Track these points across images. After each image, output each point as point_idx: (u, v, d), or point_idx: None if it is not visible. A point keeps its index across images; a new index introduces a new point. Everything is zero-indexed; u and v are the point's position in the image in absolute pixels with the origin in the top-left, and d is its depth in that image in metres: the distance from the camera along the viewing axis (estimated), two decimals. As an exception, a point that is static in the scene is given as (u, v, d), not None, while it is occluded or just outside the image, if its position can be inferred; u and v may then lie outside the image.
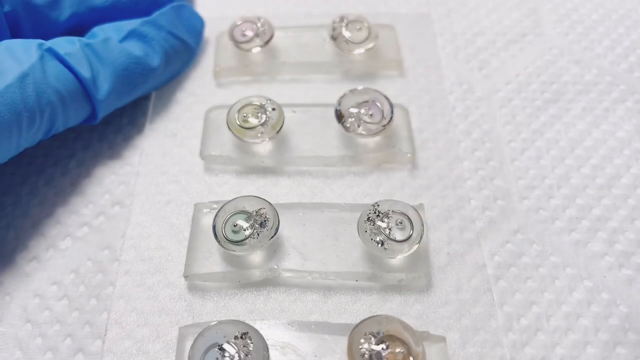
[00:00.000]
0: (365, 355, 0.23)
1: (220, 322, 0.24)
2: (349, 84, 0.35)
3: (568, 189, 0.30)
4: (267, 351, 0.23)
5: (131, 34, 0.32)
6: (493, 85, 0.35)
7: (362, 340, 0.23)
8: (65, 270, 0.28)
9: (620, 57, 0.37)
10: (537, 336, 0.26)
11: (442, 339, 0.25)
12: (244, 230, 0.26)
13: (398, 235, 0.26)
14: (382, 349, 0.23)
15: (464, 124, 0.33)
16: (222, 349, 0.23)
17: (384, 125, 0.30)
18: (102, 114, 0.31)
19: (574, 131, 0.33)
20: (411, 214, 0.27)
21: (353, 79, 0.35)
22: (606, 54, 0.37)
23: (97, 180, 0.31)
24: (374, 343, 0.23)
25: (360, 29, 0.35)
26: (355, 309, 0.27)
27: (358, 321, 0.24)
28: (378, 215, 0.27)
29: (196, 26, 0.36)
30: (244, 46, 0.35)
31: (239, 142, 0.31)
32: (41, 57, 0.28)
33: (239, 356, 0.23)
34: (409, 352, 0.23)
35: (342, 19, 0.35)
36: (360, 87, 0.32)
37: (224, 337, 0.23)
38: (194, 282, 0.27)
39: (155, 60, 0.32)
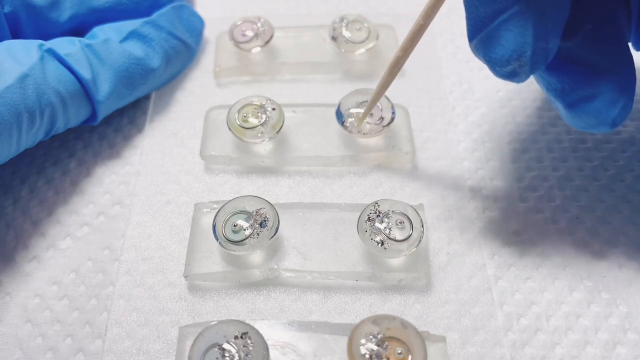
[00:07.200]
0: (366, 355, 0.23)
1: (220, 322, 0.24)
2: (349, 84, 0.35)
3: (569, 190, 0.30)
4: (267, 351, 0.23)
5: (131, 35, 0.32)
6: (493, 85, 0.35)
7: (363, 340, 0.23)
8: (66, 270, 0.28)
9: (621, 57, 0.37)
10: (537, 336, 0.26)
11: (442, 339, 0.25)
12: (244, 230, 0.26)
13: (398, 235, 0.26)
14: (383, 348, 0.23)
15: (464, 124, 0.33)
16: (222, 349, 0.23)
17: (384, 126, 0.30)
18: (102, 114, 0.31)
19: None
20: (411, 214, 0.27)
21: (353, 79, 0.35)
22: (606, 54, 0.37)
23: (97, 180, 0.31)
24: (374, 343, 0.23)
25: (360, 29, 0.35)
26: (355, 309, 0.27)
27: (358, 321, 0.24)
28: (378, 215, 0.27)
29: (196, 26, 0.36)
30: (244, 46, 0.35)
31: (239, 142, 0.31)
32: (41, 58, 0.28)
33: (239, 356, 0.23)
34: (409, 351, 0.23)
35: (342, 19, 0.35)
36: (360, 87, 0.32)
37: (224, 337, 0.23)
38: (194, 282, 0.27)
39: (155, 61, 0.32)
